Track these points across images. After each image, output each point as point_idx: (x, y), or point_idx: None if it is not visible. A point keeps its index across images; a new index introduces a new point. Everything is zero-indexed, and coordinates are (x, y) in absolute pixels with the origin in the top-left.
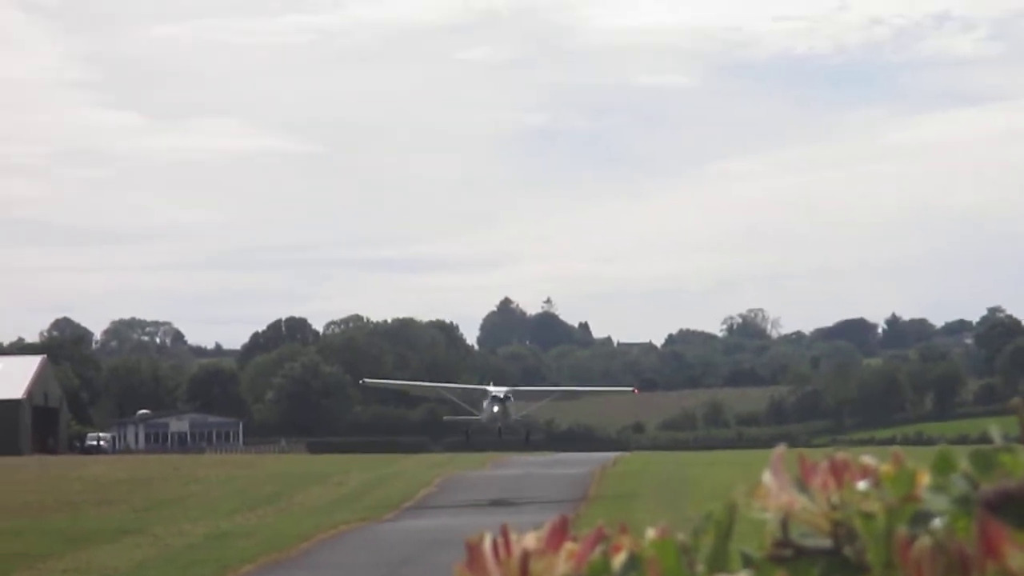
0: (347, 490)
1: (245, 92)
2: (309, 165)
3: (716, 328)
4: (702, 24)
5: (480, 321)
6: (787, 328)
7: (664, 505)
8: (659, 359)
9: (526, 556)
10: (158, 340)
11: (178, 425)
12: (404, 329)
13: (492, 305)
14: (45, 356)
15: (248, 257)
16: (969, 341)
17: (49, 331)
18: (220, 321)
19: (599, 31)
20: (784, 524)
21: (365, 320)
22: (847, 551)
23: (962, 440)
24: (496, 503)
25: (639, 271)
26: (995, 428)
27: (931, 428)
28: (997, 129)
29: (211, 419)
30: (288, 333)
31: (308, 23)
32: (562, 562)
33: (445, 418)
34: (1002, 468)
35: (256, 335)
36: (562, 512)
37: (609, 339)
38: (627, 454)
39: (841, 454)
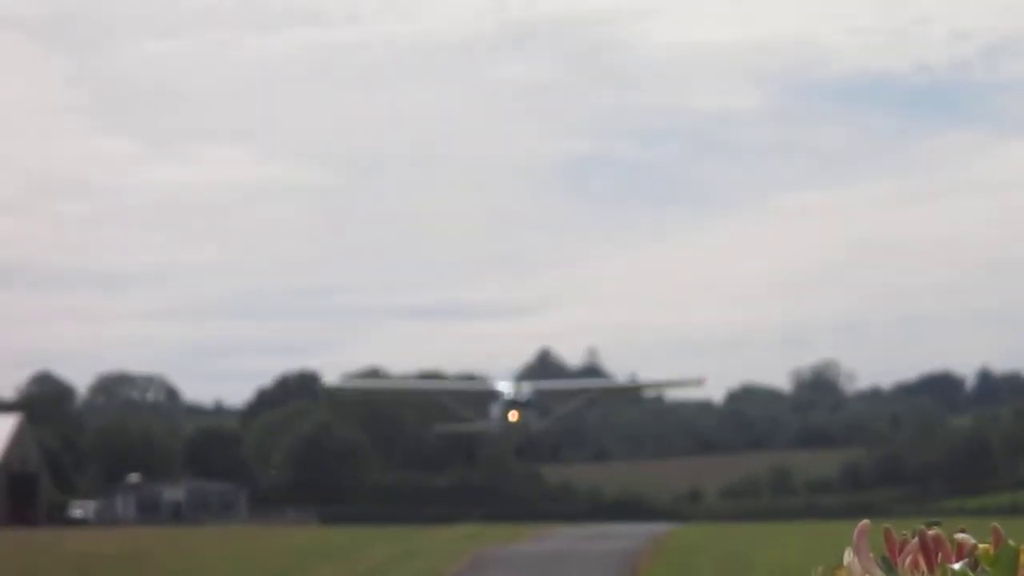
0: (364, 568)
1: (250, 116)
2: (322, 198)
3: (783, 383)
4: (766, 39)
5: (515, 374)
6: (863, 383)
7: None
8: (718, 418)
9: None
10: (150, 397)
11: (173, 493)
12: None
13: (529, 356)
14: (22, 415)
15: (252, 303)
16: None
17: (27, 386)
18: (220, 375)
19: (651, 47)
20: None
21: (385, 374)
22: None
23: None
24: None
25: (695, 318)
26: None
27: None
28: None
29: (210, 486)
30: (297, 389)
31: (321, 39)
32: None
33: (437, 429)
34: None
35: (261, 391)
36: None
37: (660, 396)
38: (683, 526)
39: (933, 530)
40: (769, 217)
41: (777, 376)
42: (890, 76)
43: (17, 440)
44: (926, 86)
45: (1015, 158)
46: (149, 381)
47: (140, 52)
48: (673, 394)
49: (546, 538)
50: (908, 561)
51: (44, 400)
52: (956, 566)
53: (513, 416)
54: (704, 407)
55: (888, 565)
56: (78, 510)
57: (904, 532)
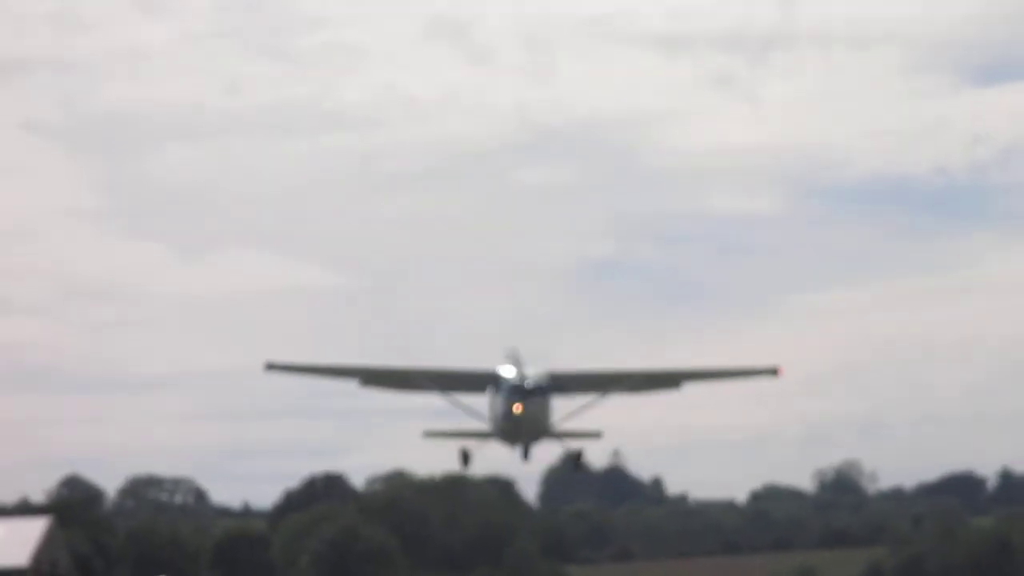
0: None
1: (276, 220)
2: (348, 300)
3: (806, 483)
4: (786, 142)
5: (540, 477)
6: (886, 483)
7: None
8: (742, 518)
9: None
10: (179, 499)
11: None
12: (455, 486)
13: (553, 459)
14: (53, 518)
15: (279, 405)
16: None
17: (57, 490)
18: (248, 478)
19: (670, 151)
20: None
21: (411, 476)
22: None
23: None
24: None
25: (718, 419)
26: None
27: None
28: None
29: None
30: (324, 491)
31: (347, 143)
32: None
33: (425, 432)
34: None
35: (288, 493)
36: None
37: (684, 496)
38: None
39: None
40: (791, 317)
41: (800, 476)
42: (908, 178)
43: (48, 543)
44: (943, 188)
45: None
46: (178, 483)
47: (167, 158)
48: (697, 496)
49: None
50: None
51: (74, 503)
52: None
53: (518, 409)
54: (727, 507)
55: None
56: None
57: None
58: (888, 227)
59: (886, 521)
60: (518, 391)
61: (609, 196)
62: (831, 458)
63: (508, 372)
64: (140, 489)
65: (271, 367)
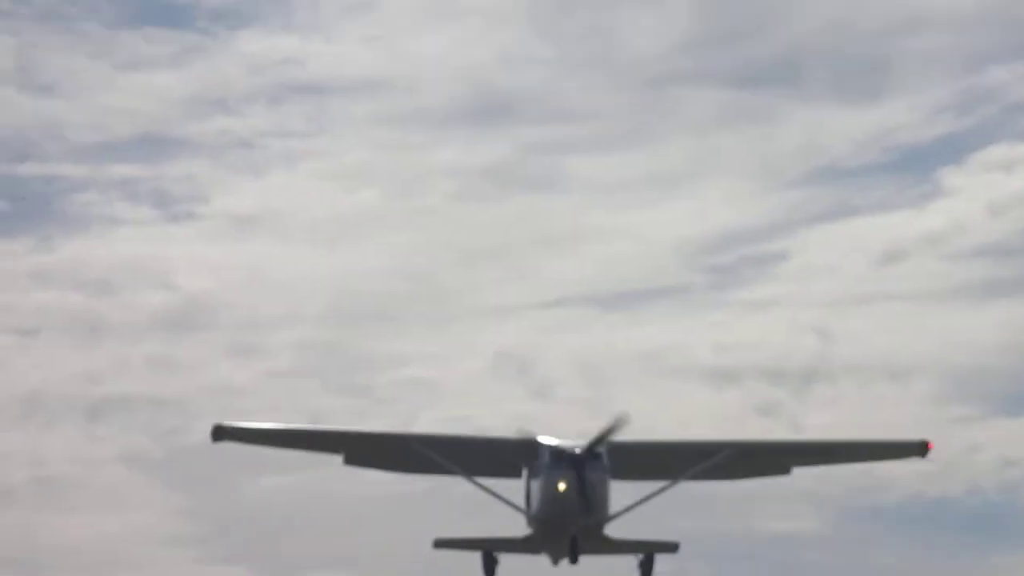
0: None
1: (367, 544)
2: None
3: None
4: (825, 471)
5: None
6: None
7: None
8: None
9: None
10: None
11: None
12: None
13: None
14: None
15: None
16: None
17: None
18: None
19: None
20: None
21: None
22: None
23: None
24: None
25: None
26: None
27: None
28: None
29: None
30: None
31: None
32: None
33: (436, 541)
34: None
35: None
36: None
37: None
38: None
39: None
40: None
41: None
42: (944, 500)
43: None
44: (977, 508)
45: None
46: None
47: (257, 488)
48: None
49: None
50: None
51: None
52: None
53: (562, 487)
54: None
55: None
56: None
57: None
58: (926, 545)
59: None
60: (564, 460)
61: None
62: None
63: (551, 440)
64: None
65: None
